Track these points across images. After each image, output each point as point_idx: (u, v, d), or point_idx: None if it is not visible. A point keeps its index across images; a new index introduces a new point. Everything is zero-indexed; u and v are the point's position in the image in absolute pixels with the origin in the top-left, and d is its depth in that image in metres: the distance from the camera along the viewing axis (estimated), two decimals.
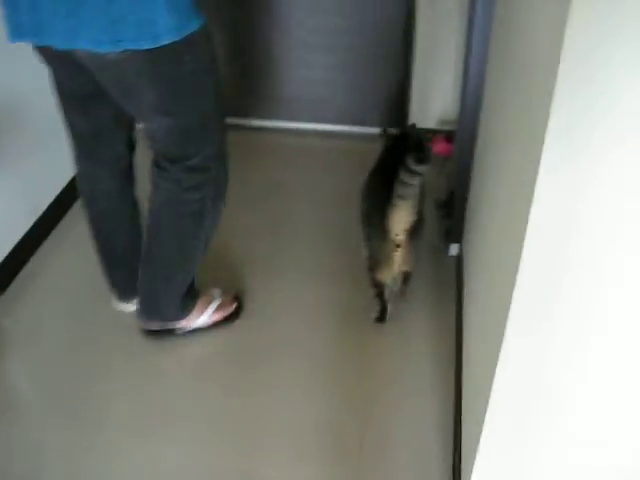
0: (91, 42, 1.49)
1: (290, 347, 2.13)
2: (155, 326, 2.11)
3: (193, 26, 1.55)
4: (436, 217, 2.50)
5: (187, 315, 2.11)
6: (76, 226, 2.49)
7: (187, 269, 2.02)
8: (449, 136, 2.81)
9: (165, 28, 1.48)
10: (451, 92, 2.86)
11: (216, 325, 2.18)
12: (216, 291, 2.21)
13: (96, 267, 2.17)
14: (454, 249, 2.40)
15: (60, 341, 2.17)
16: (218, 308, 2.18)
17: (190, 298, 2.10)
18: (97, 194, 2.00)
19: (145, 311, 2.08)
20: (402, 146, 1.96)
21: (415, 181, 1.82)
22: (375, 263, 2.05)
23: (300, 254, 2.47)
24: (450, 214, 2.36)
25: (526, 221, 0.99)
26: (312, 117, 3.11)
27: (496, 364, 1.19)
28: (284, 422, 1.91)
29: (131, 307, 2.17)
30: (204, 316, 2.14)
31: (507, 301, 1.10)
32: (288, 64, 2.99)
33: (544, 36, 0.97)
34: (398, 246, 1.96)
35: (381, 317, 2.15)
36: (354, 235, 2.17)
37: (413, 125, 2.43)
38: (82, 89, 1.76)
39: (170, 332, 2.13)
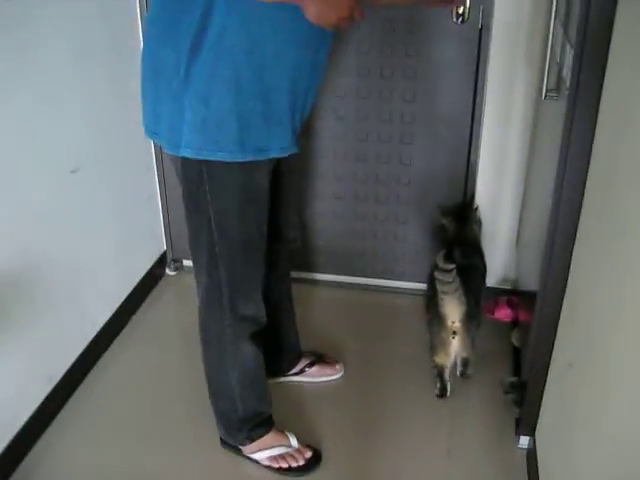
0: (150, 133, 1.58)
1: None
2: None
3: (220, 155, 1.49)
4: (503, 401, 2.17)
5: (247, 443, 1.98)
6: (92, 394, 2.26)
7: (217, 402, 1.94)
8: (511, 299, 2.53)
9: (186, 141, 1.47)
10: (512, 246, 2.60)
11: (282, 471, 1.97)
12: (291, 437, 2.01)
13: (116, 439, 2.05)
14: (525, 441, 2.00)
15: None
16: (284, 455, 1.98)
17: (254, 427, 1.96)
18: None
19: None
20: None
21: (450, 278, 1.96)
22: (435, 347, 2.16)
23: None
24: (521, 400, 2.04)
25: None
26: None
27: None
28: None
29: None
30: (262, 453, 1.98)
31: None
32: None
33: None
34: (455, 333, 2.08)
35: (442, 394, 2.22)
36: None
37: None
38: None
39: (238, 450, 2.01)
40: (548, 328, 1.81)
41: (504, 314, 2.47)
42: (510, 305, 2.47)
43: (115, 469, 1.99)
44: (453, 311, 2.05)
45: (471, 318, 2.08)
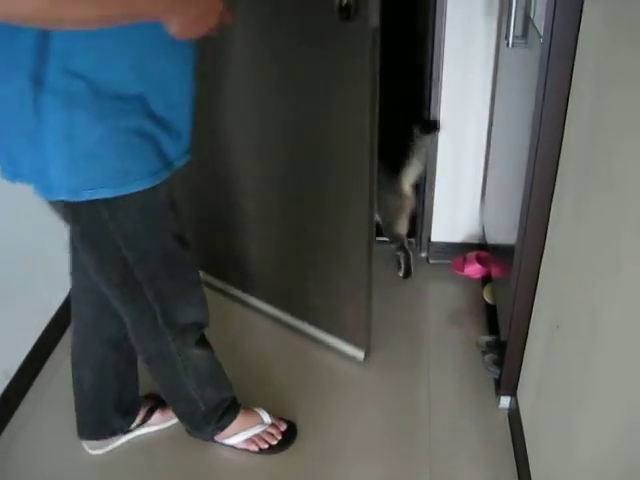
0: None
1: None
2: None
3: (102, 192, 1.24)
4: (480, 361, 2.12)
5: (218, 433, 1.87)
6: (50, 384, 2.14)
7: (175, 404, 1.83)
8: (480, 254, 2.46)
9: (58, 183, 1.22)
10: (477, 199, 2.53)
11: (263, 452, 1.89)
12: (262, 413, 1.94)
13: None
14: (506, 402, 1.96)
15: None
16: (260, 435, 1.90)
17: (221, 416, 1.84)
18: None
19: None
20: None
21: (423, 145, 2.30)
22: (393, 221, 2.40)
23: None
24: (500, 360, 1.98)
25: None
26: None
27: None
28: None
29: None
30: (236, 437, 1.88)
31: None
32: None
33: None
34: (408, 198, 2.39)
35: (407, 271, 2.46)
36: None
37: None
38: None
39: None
40: (528, 284, 1.75)
41: (474, 270, 2.41)
42: (480, 261, 2.41)
43: (77, 463, 1.89)
44: (411, 176, 2.36)
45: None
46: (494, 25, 2.15)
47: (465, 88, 2.29)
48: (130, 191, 1.27)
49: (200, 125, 1.44)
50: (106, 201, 1.27)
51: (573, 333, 1.42)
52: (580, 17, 1.37)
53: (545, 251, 1.67)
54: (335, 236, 2.05)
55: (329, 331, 2.26)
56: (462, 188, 2.50)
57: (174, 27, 1.12)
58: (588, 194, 1.33)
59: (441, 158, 2.43)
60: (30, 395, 2.11)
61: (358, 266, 2.03)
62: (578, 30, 1.38)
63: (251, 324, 2.38)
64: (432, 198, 2.52)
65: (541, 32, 1.46)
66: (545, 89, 1.49)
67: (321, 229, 2.08)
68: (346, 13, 1.60)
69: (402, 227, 2.43)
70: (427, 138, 2.31)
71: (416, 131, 2.31)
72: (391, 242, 2.49)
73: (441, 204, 2.54)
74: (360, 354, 2.19)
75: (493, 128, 2.30)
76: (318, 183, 2.01)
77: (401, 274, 2.48)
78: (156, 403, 1.97)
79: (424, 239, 2.62)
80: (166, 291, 1.53)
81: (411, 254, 2.47)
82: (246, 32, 1.89)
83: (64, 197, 1.25)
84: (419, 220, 2.61)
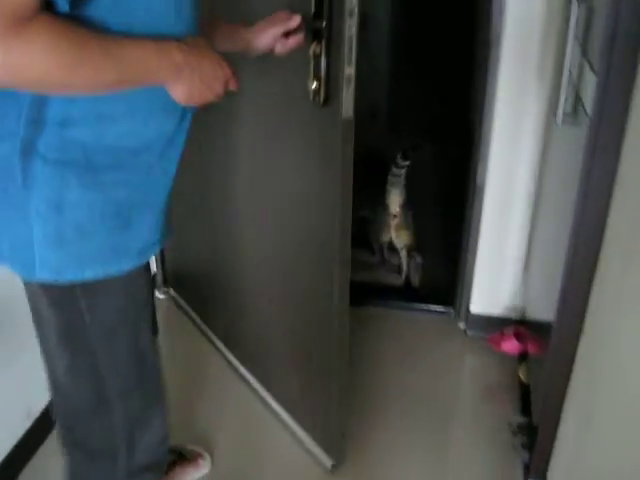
0: None
1: None
2: None
3: (90, 272, 1.15)
4: (510, 443, 2.04)
5: None
6: None
7: None
8: (519, 330, 2.40)
9: (41, 261, 1.11)
10: (519, 272, 2.47)
11: None
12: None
13: None
14: None
15: None
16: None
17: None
18: None
19: None
20: None
21: (401, 173, 2.60)
22: (380, 230, 2.76)
23: None
24: (531, 443, 1.90)
25: None
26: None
27: None
28: None
29: None
30: None
31: None
32: None
33: None
34: (395, 216, 2.68)
35: (382, 259, 2.91)
36: None
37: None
38: None
39: None
40: (563, 366, 1.68)
41: (511, 346, 2.34)
42: (518, 337, 2.34)
43: None
44: (395, 200, 2.65)
45: (405, 207, 2.69)
46: (547, 96, 2.12)
47: (513, 158, 2.26)
48: (120, 270, 1.18)
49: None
50: (86, 287, 1.16)
51: (608, 425, 1.35)
52: (629, 102, 1.34)
53: (584, 333, 1.61)
54: (305, 324, 1.93)
55: (302, 425, 2.06)
56: (505, 258, 2.44)
57: (179, 93, 1.09)
58: (632, 278, 1.28)
59: (485, 226, 2.39)
60: (54, 435, 2.10)
61: (328, 356, 1.84)
62: (627, 114, 1.35)
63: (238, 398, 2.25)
64: (473, 266, 2.47)
65: (589, 113, 1.43)
66: (591, 172, 1.46)
67: (293, 315, 1.98)
68: (318, 98, 1.51)
69: (386, 236, 2.77)
70: (404, 164, 2.60)
71: (398, 158, 2.58)
72: (381, 252, 2.91)
73: (482, 273, 2.48)
74: (327, 462, 1.96)
75: (540, 199, 2.26)
76: (289, 266, 1.94)
77: (378, 259, 2.91)
78: (177, 457, 1.92)
79: (463, 309, 2.56)
80: (137, 412, 1.39)
81: (413, 266, 2.83)
82: (229, 107, 1.89)
83: (46, 276, 1.14)
84: (458, 289, 2.56)
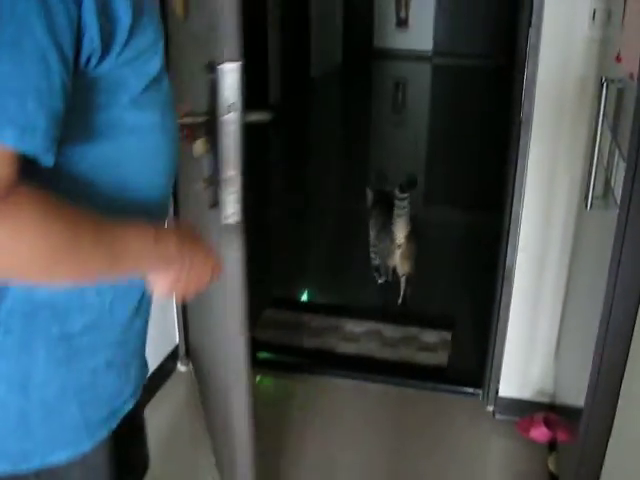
0: None
1: None
2: None
3: (56, 456, 0.95)
4: None
5: None
6: None
7: None
8: (549, 417, 2.31)
9: None
10: (551, 355, 2.40)
11: None
12: None
13: None
14: None
15: None
16: None
17: None
18: None
19: None
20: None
21: (405, 204, 2.93)
22: (385, 256, 3.12)
23: None
24: None
25: None
26: None
27: None
28: None
29: None
30: None
31: None
32: None
33: None
34: (399, 246, 3.01)
35: (386, 279, 3.26)
36: None
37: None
38: None
39: None
40: (592, 458, 1.61)
41: (540, 434, 2.25)
42: (547, 424, 2.26)
43: None
44: (401, 229, 2.98)
45: (411, 237, 3.02)
46: (578, 179, 2.10)
47: (543, 240, 2.23)
48: (92, 444, 0.98)
49: None
50: (50, 474, 0.96)
51: None
52: None
53: (615, 425, 1.55)
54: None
55: None
56: (535, 341, 2.39)
57: (160, 286, 0.96)
58: None
59: (514, 308, 2.34)
60: None
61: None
62: None
63: None
64: (502, 349, 2.41)
65: (618, 200, 1.41)
66: (620, 260, 1.42)
67: None
68: (209, 200, 1.44)
69: (389, 262, 3.11)
70: (407, 196, 2.90)
71: (397, 191, 2.90)
72: (386, 275, 3.26)
73: (512, 356, 2.42)
74: None
75: (570, 283, 2.22)
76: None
77: (400, 302, 3.15)
78: None
79: (492, 392, 2.49)
80: None
81: (389, 276, 3.22)
82: None
83: (2, 468, 0.93)
84: (487, 371, 2.50)
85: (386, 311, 3.16)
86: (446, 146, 5.76)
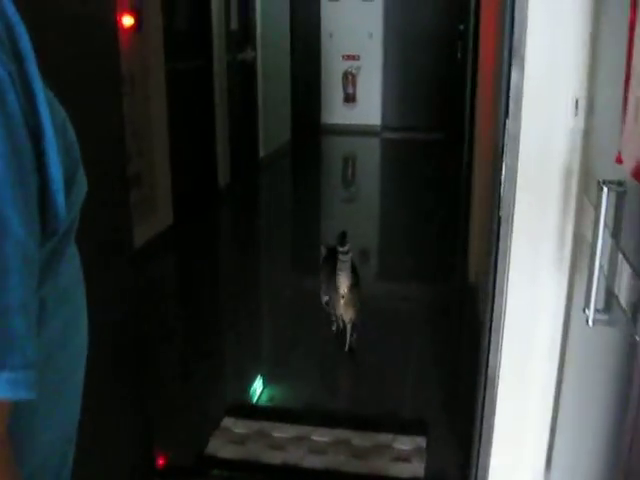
0: None
1: None
2: None
3: None
4: None
5: None
6: None
7: None
8: None
9: None
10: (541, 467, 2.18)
11: None
12: None
13: None
14: None
15: None
16: None
17: None
18: None
19: None
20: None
21: (347, 258, 3.22)
22: (333, 305, 3.37)
23: None
24: None
25: None
26: None
27: None
28: None
29: None
30: None
31: None
32: None
33: None
34: (343, 296, 3.28)
35: (337, 331, 3.48)
36: None
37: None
38: None
39: None
40: None
41: None
42: None
43: None
44: (344, 282, 3.24)
45: (354, 287, 3.28)
46: (565, 282, 1.93)
47: (528, 349, 2.05)
48: None
49: None
50: None
51: None
52: None
53: None
54: None
55: None
56: (523, 454, 2.18)
57: None
58: None
59: (499, 420, 2.13)
60: None
61: None
62: None
63: None
64: (487, 464, 2.19)
65: (629, 314, 1.23)
66: (633, 382, 1.24)
67: None
68: None
69: (338, 311, 3.37)
70: (347, 249, 3.18)
71: (338, 246, 3.18)
72: (337, 322, 3.48)
73: (498, 471, 2.20)
74: None
75: (560, 401, 2.02)
76: None
77: (346, 348, 3.39)
78: None
79: None
80: None
81: (355, 335, 3.40)
82: None
83: None
84: None
85: (350, 415, 2.93)
86: (397, 219, 5.76)
